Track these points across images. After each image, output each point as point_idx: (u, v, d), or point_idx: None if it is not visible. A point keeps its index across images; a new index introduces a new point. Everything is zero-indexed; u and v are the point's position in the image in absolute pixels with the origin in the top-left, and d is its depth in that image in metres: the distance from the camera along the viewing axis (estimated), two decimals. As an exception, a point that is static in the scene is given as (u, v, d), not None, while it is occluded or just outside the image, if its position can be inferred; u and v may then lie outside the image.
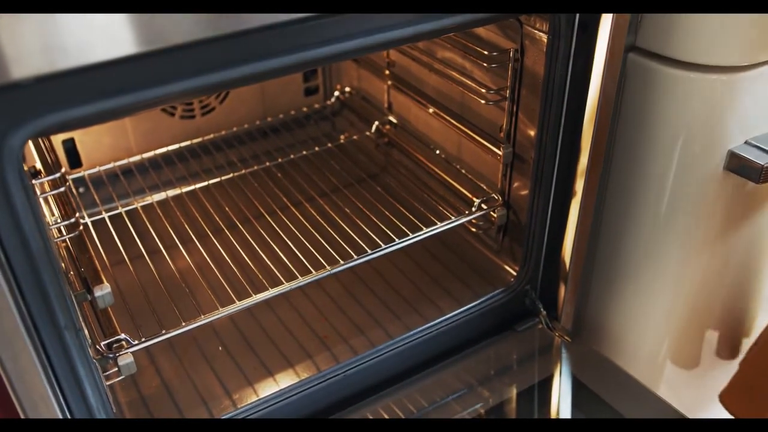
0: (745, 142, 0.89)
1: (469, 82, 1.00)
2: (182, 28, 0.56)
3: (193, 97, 1.15)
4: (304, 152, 1.27)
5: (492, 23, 0.90)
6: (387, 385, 0.95)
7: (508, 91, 0.92)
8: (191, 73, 0.59)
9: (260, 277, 0.95)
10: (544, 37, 0.82)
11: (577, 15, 0.79)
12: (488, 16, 0.73)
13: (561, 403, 0.94)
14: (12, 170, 0.55)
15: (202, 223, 1.10)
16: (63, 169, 0.70)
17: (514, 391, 0.96)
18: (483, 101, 0.98)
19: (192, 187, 1.20)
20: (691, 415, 0.90)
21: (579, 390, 0.95)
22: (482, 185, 1.07)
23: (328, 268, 0.93)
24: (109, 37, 0.54)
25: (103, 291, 0.70)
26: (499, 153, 0.96)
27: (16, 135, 0.55)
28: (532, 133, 0.91)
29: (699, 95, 0.85)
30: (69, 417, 0.68)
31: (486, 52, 0.93)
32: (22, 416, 0.65)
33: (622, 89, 0.89)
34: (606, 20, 0.80)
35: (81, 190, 1.16)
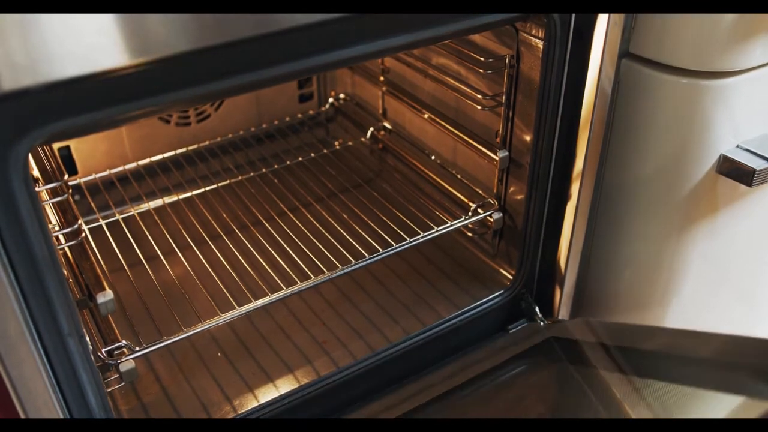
0: (737, 146, 0.91)
1: (465, 88, 1.01)
2: (187, 36, 0.57)
3: (197, 104, 1.16)
4: (300, 158, 1.28)
5: (489, 29, 0.91)
6: (384, 389, 0.96)
7: (504, 97, 0.94)
8: (196, 81, 0.60)
9: (259, 282, 0.96)
10: (540, 44, 0.83)
11: (572, 21, 0.80)
12: (485, 22, 0.74)
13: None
14: (17, 178, 0.56)
15: (199, 229, 1.10)
16: (65, 176, 0.70)
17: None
18: (479, 107, 0.99)
19: (188, 194, 1.20)
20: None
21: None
22: (478, 190, 1.08)
23: (326, 273, 0.94)
24: (113, 44, 0.54)
25: (105, 298, 0.70)
26: (496, 158, 0.97)
27: (22, 143, 0.55)
28: (527, 137, 0.92)
29: (691, 100, 0.86)
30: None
31: (482, 59, 0.94)
32: (26, 423, 0.65)
33: (616, 94, 0.90)
34: (600, 27, 0.81)
35: (77, 197, 1.15)
